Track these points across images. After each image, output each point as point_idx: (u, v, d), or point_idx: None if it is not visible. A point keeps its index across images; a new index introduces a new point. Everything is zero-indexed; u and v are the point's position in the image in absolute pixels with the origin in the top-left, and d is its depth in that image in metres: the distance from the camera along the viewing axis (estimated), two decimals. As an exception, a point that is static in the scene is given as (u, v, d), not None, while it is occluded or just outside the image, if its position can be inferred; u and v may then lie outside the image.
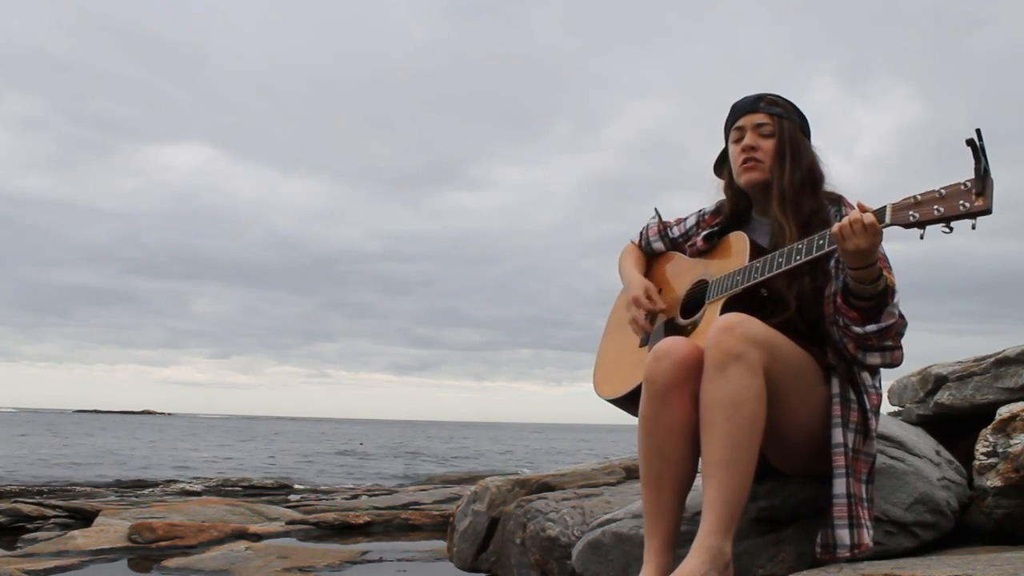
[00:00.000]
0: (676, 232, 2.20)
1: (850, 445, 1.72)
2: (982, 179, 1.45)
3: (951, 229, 1.51)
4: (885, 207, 1.58)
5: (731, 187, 2.04)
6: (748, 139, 1.92)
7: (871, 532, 1.69)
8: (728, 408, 1.60)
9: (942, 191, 1.50)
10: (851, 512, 1.68)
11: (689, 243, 2.13)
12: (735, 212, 2.05)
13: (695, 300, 1.98)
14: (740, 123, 1.95)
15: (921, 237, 1.54)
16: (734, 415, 1.59)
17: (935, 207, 1.50)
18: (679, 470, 1.73)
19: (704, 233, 2.06)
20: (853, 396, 1.77)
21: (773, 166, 1.90)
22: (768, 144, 1.91)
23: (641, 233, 2.28)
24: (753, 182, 1.93)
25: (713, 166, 2.11)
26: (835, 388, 1.76)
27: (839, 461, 1.70)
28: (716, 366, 1.62)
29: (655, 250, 2.24)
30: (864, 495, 1.73)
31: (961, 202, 1.47)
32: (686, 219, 2.20)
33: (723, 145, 2.06)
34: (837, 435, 1.72)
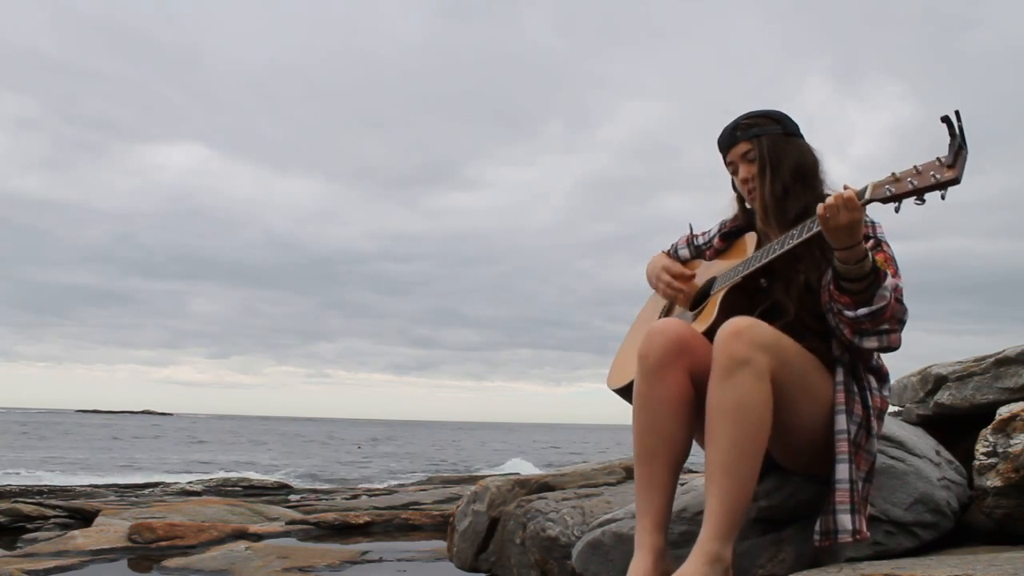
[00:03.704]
0: (700, 240, 2.31)
1: (853, 433, 1.73)
2: (955, 153, 1.51)
3: (923, 201, 1.56)
4: (867, 186, 1.64)
5: (743, 207, 2.14)
6: (742, 172, 2.00)
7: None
8: (733, 414, 1.61)
9: (918, 167, 1.56)
10: (853, 498, 1.68)
11: (709, 246, 2.25)
12: (745, 216, 2.14)
13: (704, 295, 2.08)
14: (729, 158, 2.03)
15: (896, 211, 1.59)
16: (739, 421, 1.61)
17: (910, 180, 1.55)
18: (672, 446, 1.75)
19: (722, 232, 2.18)
20: (855, 388, 1.79)
21: (759, 186, 1.97)
22: (756, 168, 1.98)
23: (672, 244, 2.41)
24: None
25: (735, 195, 2.21)
26: (839, 376, 1.77)
27: (842, 447, 1.71)
28: (723, 370, 1.64)
29: (680, 257, 2.35)
30: (862, 491, 1.73)
31: (933, 174, 1.53)
32: (710, 230, 2.31)
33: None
34: (840, 422, 1.73)
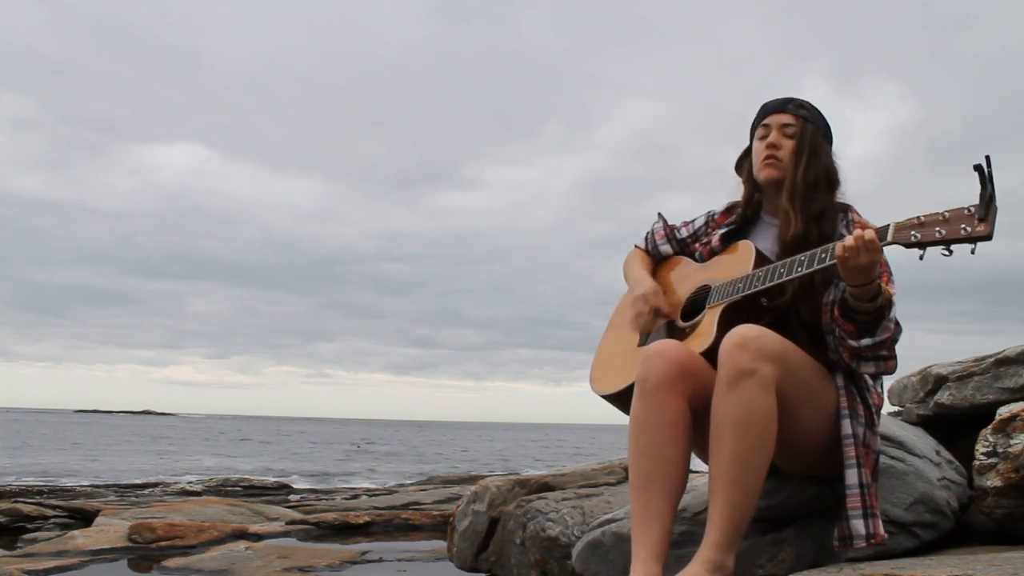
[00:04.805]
0: (684, 233, 2.20)
1: (860, 436, 1.73)
2: (986, 205, 1.45)
3: (951, 252, 1.51)
4: (888, 225, 1.59)
5: (749, 182, 2.06)
6: (772, 137, 1.96)
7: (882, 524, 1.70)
8: (737, 425, 1.60)
9: (946, 214, 1.50)
10: (865, 502, 1.68)
11: (702, 242, 2.13)
12: (748, 205, 2.06)
13: (697, 304, 1.99)
14: (767, 121, 1.98)
15: (921, 258, 1.54)
16: (743, 433, 1.60)
17: (937, 229, 1.50)
18: (670, 472, 1.69)
19: (720, 232, 2.07)
20: (855, 389, 1.79)
21: (790, 163, 1.93)
22: (790, 144, 1.94)
23: (646, 237, 2.28)
24: (771, 178, 1.96)
25: (735, 164, 2.12)
26: (839, 381, 1.77)
27: (851, 452, 1.71)
28: (727, 382, 1.62)
29: (662, 253, 2.24)
30: (873, 494, 1.73)
31: (963, 226, 1.47)
32: (694, 220, 2.20)
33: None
34: (847, 426, 1.72)
